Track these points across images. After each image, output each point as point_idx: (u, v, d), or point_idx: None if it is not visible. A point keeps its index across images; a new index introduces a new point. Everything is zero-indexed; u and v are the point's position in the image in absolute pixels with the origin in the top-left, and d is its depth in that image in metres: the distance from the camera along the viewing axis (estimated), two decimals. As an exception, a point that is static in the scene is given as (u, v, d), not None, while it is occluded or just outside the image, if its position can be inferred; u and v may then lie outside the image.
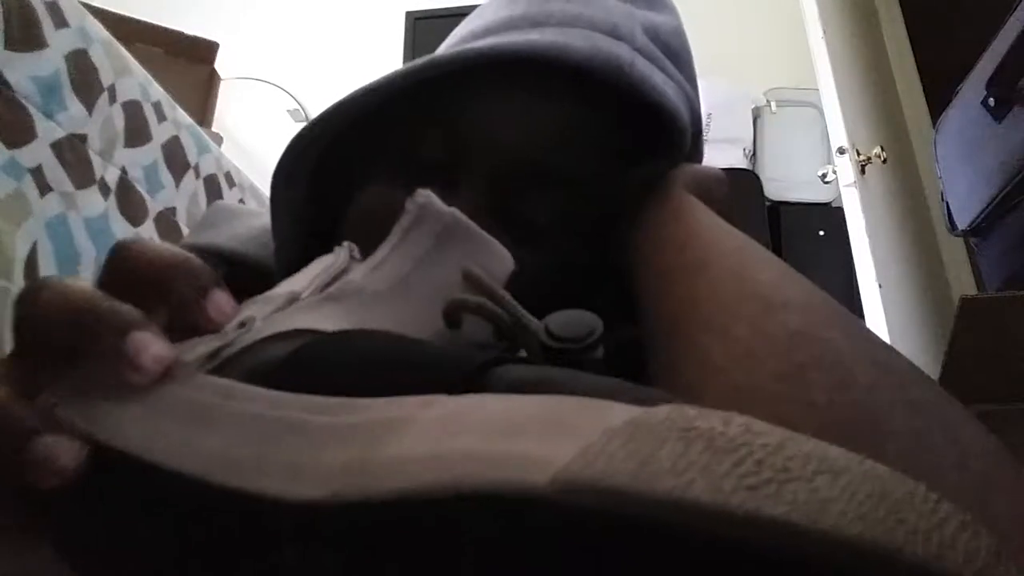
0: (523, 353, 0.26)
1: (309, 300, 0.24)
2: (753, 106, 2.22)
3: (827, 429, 0.23)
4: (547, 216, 0.39)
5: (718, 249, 0.32)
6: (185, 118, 1.09)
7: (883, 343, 0.27)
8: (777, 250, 1.98)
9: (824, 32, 1.54)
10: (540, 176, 0.39)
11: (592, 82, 0.37)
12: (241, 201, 1.24)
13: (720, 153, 2.05)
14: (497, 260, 0.28)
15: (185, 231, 1.03)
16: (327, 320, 0.24)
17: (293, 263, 0.37)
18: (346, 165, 0.43)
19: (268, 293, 0.25)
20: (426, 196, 0.27)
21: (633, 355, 0.35)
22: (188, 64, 2.15)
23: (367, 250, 0.28)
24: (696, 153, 0.45)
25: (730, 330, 0.27)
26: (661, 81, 0.38)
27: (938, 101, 1.62)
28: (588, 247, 0.41)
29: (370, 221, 0.38)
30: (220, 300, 0.23)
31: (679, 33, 0.45)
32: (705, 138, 0.48)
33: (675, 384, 0.28)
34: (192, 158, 1.09)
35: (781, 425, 0.23)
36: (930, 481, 0.21)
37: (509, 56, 0.36)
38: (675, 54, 0.43)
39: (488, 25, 0.41)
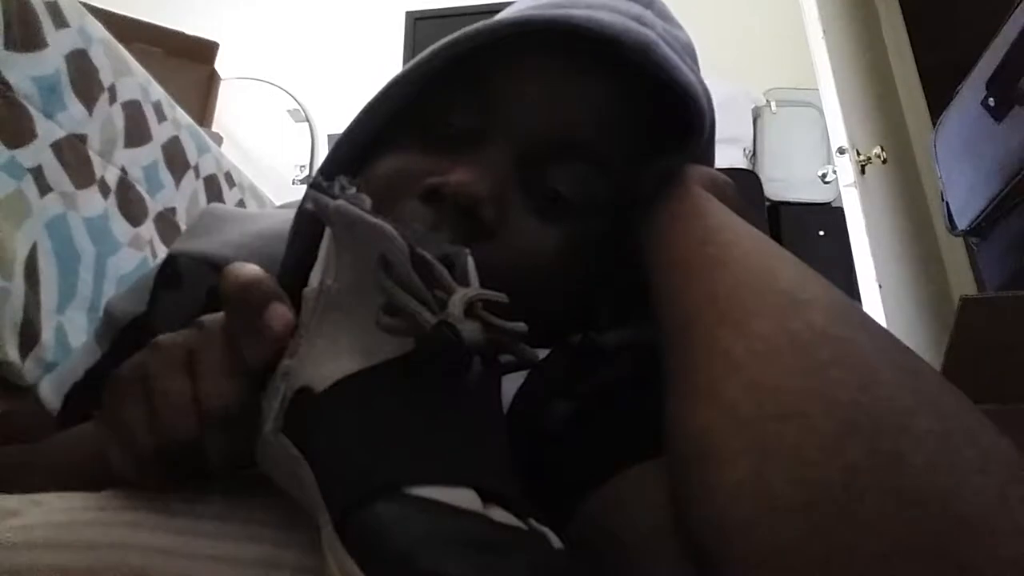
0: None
1: (320, 318, 0.28)
2: (753, 106, 2.22)
3: (851, 428, 0.23)
4: (572, 192, 0.40)
5: (739, 245, 0.32)
6: (185, 118, 1.09)
7: (902, 345, 0.27)
8: (777, 250, 1.97)
9: (824, 32, 1.54)
10: (568, 150, 0.39)
11: (621, 64, 0.38)
12: (241, 202, 1.24)
13: (720, 153, 2.04)
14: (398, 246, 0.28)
15: (185, 231, 1.03)
16: (340, 344, 0.27)
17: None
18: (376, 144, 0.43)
19: (305, 292, 0.30)
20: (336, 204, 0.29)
21: (645, 355, 0.35)
22: (188, 64, 2.15)
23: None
24: (707, 159, 0.45)
25: (752, 326, 0.27)
26: (684, 68, 0.39)
27: (938, 101, 1.62)
28: (609, 233, 0.41)
29: (386, 183, 0.39)
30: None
31: (692, 48, 0.45)
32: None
33: (693, 380, 0.28)
34: (192, 158, 1.09)
35: (803, 422, 0.23)
36: (954, 484, 0.21)
37: (545, 26, 0.37)
38: (694, 61, 0.44)
39: (521, 9, 0.42)
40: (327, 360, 0.26)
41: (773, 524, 0.22)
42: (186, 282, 0.48)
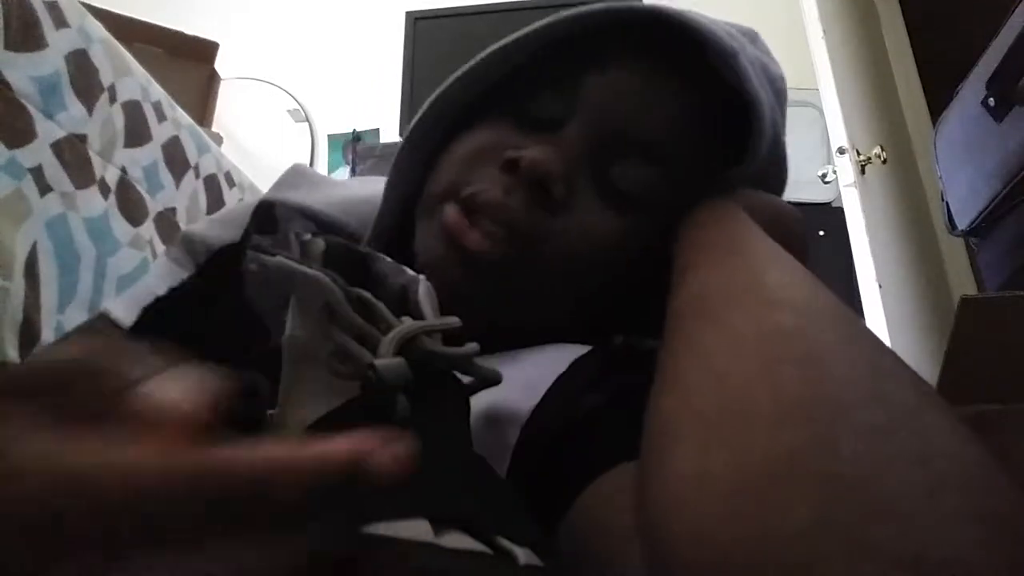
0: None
1: (293, 367, 0.29)
2: (753, 106, 2.22)
3: (793, 419, 0.23)
4: (635, 186, 0.42)
5: (743, 255, 0.33)
6: (185, 118, 1.09)
7: (883, 348, 0.27)
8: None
9: (824, 32, 1.54)
10: (638, 146, 0.42)
11: (701, 70, 0.40)
12: (241, 201, 1.24)
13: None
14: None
15: (185, 231, 1.03)
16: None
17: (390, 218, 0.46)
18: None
19: (282, 342, 0.30)
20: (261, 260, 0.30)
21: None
22: (188, 64, 2.15)
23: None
24: (766, 178, 0.47)
25: (725, 321, 0.28)
26: (758, 84, 0.41)
27: (938, 101, 1.62)
28: (664, 237, 0.42)
29: (472, 154, 0.43)
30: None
31: (781, 83, 0.47)
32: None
33: (668, 371, 0.29)
34: (192, 158, 1.08)
35: (751, 410, 0.24)
36: (881, 473, 0.21)
37: (640, 18, 0.40)
38: (776, 94, 0.46)
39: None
40: (303, 406, 0.27)
41: (702, 507, 0.23)
42: (282, 229, 0.49)
